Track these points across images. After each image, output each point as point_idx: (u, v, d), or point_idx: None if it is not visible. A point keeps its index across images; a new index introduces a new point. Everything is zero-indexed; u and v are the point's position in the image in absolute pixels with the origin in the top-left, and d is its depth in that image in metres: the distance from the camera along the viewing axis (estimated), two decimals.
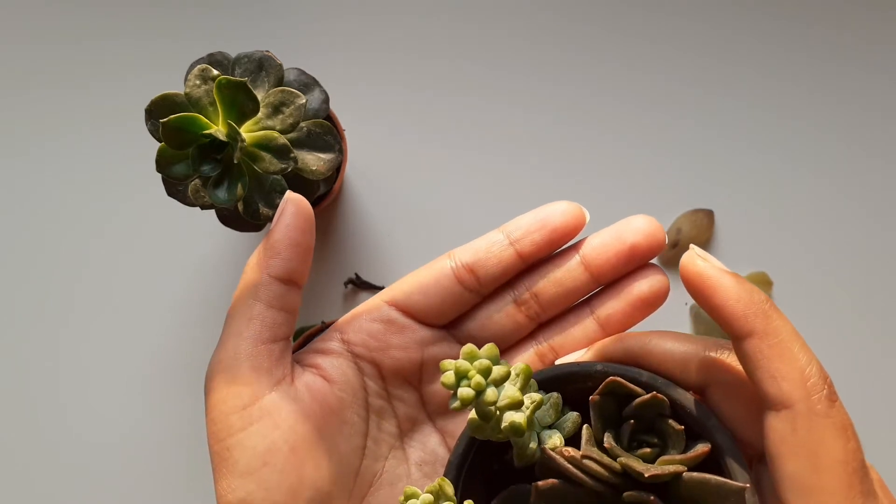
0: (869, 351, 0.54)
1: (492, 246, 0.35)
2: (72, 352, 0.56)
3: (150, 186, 0.47)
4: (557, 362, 0.34)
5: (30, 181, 0.56)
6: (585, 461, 0.28)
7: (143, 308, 0.56)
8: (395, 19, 0.56)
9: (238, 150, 0.38)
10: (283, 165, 0.39)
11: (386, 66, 0.56)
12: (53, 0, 0.57)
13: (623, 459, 0.28)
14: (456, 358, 0.30)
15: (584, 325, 0.35)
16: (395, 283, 0.37)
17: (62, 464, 0.55)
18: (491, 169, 0.55)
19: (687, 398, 0.29)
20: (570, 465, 0.28)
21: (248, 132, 0.40)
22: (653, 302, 0.34)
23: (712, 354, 0.30)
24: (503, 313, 0.36)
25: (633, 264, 0.34)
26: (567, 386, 0.31)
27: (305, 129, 0.42)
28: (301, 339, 0.50)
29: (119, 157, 0.56)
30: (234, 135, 0.38)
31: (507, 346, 0.36)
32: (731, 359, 0.29)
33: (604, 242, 0.34)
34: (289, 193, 0.36)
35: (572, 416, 0.31)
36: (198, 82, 0.39)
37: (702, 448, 0.28)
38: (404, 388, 0.36)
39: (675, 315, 0.55)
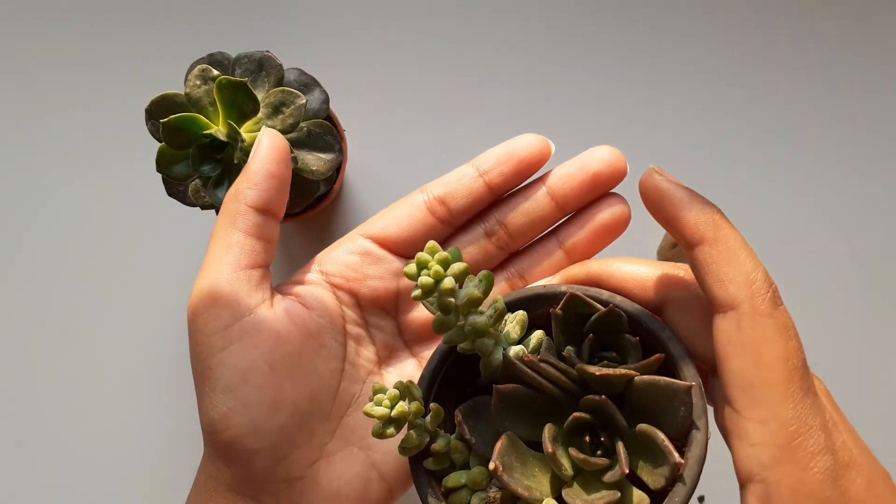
0: (868, 350, 0.54)
1: (462, 178, 0.37)
2: (71, 351, 0.56)
3: (151, 186, 0.47)
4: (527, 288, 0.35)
5: (29, 181, 0.56)
6: (542, 365, 0.29)
7: (143, 307, 0.56)
8: (395, 20, 0.56)
9: (238, 150, 0.38)
10: None
11: (386, 66, 0.56)
12: (53, 2, 0.57)
13: (579, 365, 0.29)
14: None
15: (551, 254, 0.37)
16: (371, 217, 0.38)
17: (64, 457, 0.55)
18: None
19: (643, 313, 0.30)
20: (528, 370, 0.29)
21: (248, 132, 0.40)
22: (615, 229, 0.37)
23: (668, 273, 0.32)
24: (475, 245, 0.37)
25: (596, 193, 0.37)
26: (535, 308, 0.32)
27: (305, 129, 0.42)
28: None
29: (119, 157, 0.56)
30: (234, 135, 0.38)
31: None
32: (685, 278, 0.31)
33: (569, 173, 0.37)
34: (265, 129, 0.36)
35: (537, 333, 0.32)
36: (198, 82, 0.39)
37: (653, 357, 0.29)
38: (381, 317, 0.38)
39: None
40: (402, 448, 0.31)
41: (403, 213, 0.37)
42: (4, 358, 0.56)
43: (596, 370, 0.28)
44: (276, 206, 0.36)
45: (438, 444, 0.31)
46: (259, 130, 0.40)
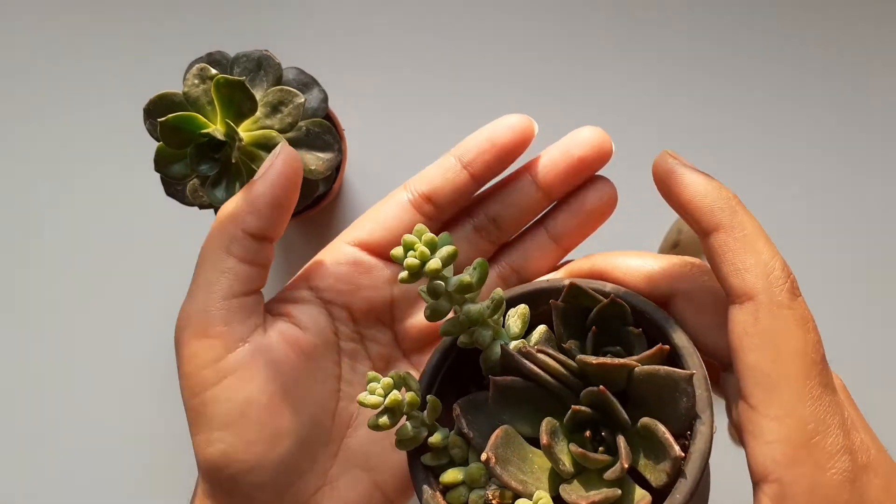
0: (870, 349, 0.54)
1: (446, 172, 0.35)
2: (70, 350, 0.56)
3: (149, 186, 0.47)
4: (529, 283, 0.35)
5: (26, 180, 0.56)
6: (540, 356, 0.28)
7: (142, 307, 0.56)
8: (394, 18, 0.56)
9: (236, 150, 0.38)
10: None
11: (385, 65, 0.56)
12: (51, 0, 0.57)
13: (578, 357, 0.28)
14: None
15: (543, 246, 0.36)
16: (354, 222, 0.36)
17: (63, 457, 0.55)
18: None
19: (647, 304, 0.29)
20: (525, 361, 0.28)
21: (246, 131, 0.40)
22: (603, 212, 0.36)
23: (675, 265, 0.31)
24: (465, 241, 0.36)
25: (582, 177, 0.35)
26: (538, 303, 0.32)
27: (304, 128, 0.42)
28: None
29: (117, 156, 0.56)
30: (232, 134, 0.38)
31: None
32: (694, 270, 0.30)
33: (553, 159, 0.35)
34: (283, 145, 0.34)
35: (540, 329, 0.31)
36: (196, 81, 0.39)
37: (657, 347, 0.28)
38: (377, 328, 0.36)
39: None
40: (399, 441, 0.30)
41: (389, 214, 0.35)
42: (5, 355, 0.56)
43: (593, 360, 0.28)
44: (274, 232, 0.34)
45: (435, 438, 0.30)
46: (257, 130, 0.40)
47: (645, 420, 0.27)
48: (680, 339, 0.29)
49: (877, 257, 0.55)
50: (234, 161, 0.39)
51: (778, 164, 0.55)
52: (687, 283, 0.30)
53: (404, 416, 0.30)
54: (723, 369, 0.30)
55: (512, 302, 0.32)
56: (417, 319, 0.36)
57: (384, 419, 0.29)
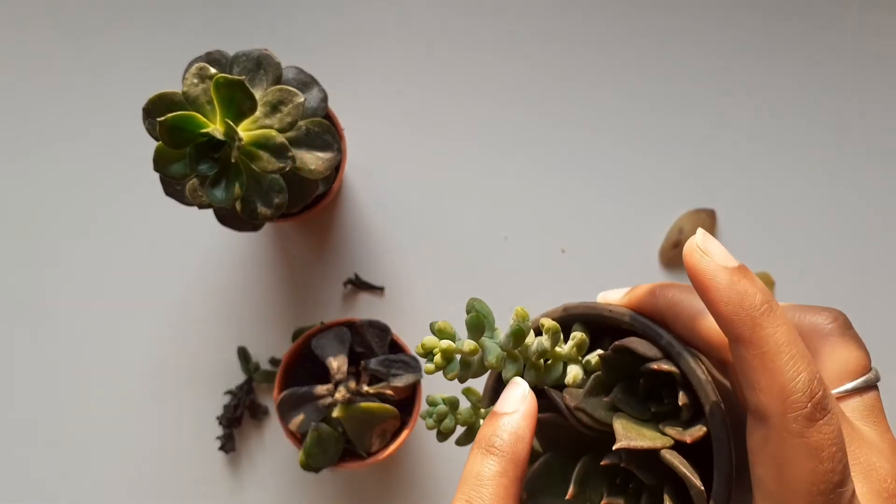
0: (873, 347, 0.54)
1: None
2: (70, 349, 0.56)
3: (148, 186, 0.47)
4: (600, 295, 0.34)
5: (25, 180, 0.56)
6: (578, 413, 0.29)
7: (142, 306, 0.56)
8: (394, 18, 0.56)
9: (235, 149, 0.38)
10: (281, 164, 0.39)
11: (385, 65, 0.56)
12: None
13: (613, 419, 0.28)
14: None
15: None
16: None
17: (60, 452, 0.55)
18: (491, 168, 0.55)
19: (696, 376, 0.28)
20: (567, 412, 0.29)
21: (245, 131, 0.40)
22: None
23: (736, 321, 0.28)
24: None
25: None
26: (599, 324, 0.32)
27: (304, 127, 0.42)
28: (300, 340, 0.49)
29: (117, 156, 0.56)
30: (231, 133, 0.38)
31: None
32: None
33: None
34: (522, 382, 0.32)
35: (595, 356, 0.31)
36: (195, 81, 0.39)
37: (692, 433, 0.28)
38: None
39: None
40: (457, 442, 0.32)
41: None
42: (5, 356, 0.56)
43: (620, 438, 0.27)
44: None
45: None
46: (257, 129, 0.40)
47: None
48: (715, 427, 0.28)
49: (876, 262, 0.55)
50: (233, 161, 0.38)
51: (780, 163, 0.55)
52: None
53: (461, 427, 0.32)
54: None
55: (572, 319, 0.32)
56: None
57: (441, 438, 0.32)
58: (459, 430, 0.33)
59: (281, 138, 0.39)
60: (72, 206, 0.56)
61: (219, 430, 0.55)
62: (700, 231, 0.27)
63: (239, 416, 0.54)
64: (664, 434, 0.28)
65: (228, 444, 0.54)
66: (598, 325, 0.32)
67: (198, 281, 0.56)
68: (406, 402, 0.49)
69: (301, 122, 0.41)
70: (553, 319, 0.32)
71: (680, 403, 0.28)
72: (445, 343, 0.29)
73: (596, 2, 0.56)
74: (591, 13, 0.56)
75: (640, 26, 0.55)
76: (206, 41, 0.54)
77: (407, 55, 0.56)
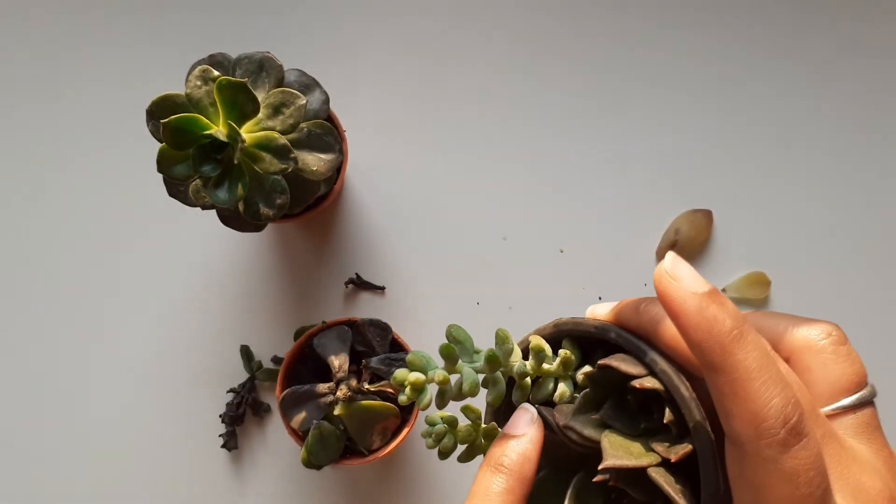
0: (867, 349, 0.54)
1: None
2: (74, 348, 0.56)
3: (152, 187, 0.47)
4: (589, 309, 0.34)
5: (29, 182, 0.57)
6: (568, 432, 0.29)
7: (144, 306, 0.56)
8: (395, 21, 0.56)
9: (238, 151, 0.38)
10: (283, 166, 0.40)
11: (386, 67, 0.56)
12: (55, 1, 0.57)
13: (602, 437, 0.29)
14: None
15: None
16: None
17: (65, 451, 0.56)
18: (491, 169, 0.55)
19: (680, 393, 0.28)
20: (557, 430, 0.30)
21: (248, 133, 0.40)
22: None
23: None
24: None
25: None
26: (587, 339, 0.32)
27: (306, 129, 0.42)
28: (302, 339, 0.50)
29: (120, 157, 0.56)
30: (234, 135, 0.38)
31: None
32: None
33: None
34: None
35: (583, 372, 0.32)
36: (198, 83, 0.39)
37: (677, 451, 0.28)
38: None
39: None
40: (458, 458, 0.34)
41: None
42: (5, 356, 0.57)
43: (607, 457, 0.27)
44: None
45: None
46: (260, 131, 0.40)
47: None
48: (700, 445, 0.28)
49: (872, 262, 0.55)
50: (236, 162, 0.39)
51: (784, 162, 0.55)
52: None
53: (461, 445, 0.33)
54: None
55: (560, 336, 0.32)
56: None
57: (442, 457, 0.33)
58: (460, 448, 0.34)
59: (283, 140, 0.40)
60: (75, 207, 0.56)
61: (221, 428, 0.55)
62: (669, 254, 0.27)
63: (241, 414, 0.55)
64: (652, 451, 0.28)
65: (231, 442, 0.54)
66: (590, 340, 0.32)
67: (201, 281, 0.56)
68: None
69: (303, 124, 0.42)
70: (544, 336, 0.32)
71: (665, 421, 0.28)
72: (414, 376, 0.30)
73: (593, 8, 0.56)
74: (589, 18, 0.56)
75: (636, 30, 0.56)
76: (210, 44, 0.55)
77: (408, 57, 0.56)
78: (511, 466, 0.30)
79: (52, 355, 0.56)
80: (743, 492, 0.25)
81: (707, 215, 0.54)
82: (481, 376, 0.31)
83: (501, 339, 0.31)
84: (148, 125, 0.40)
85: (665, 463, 0.28)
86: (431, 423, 0.33)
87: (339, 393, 0.47)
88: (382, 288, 0.55)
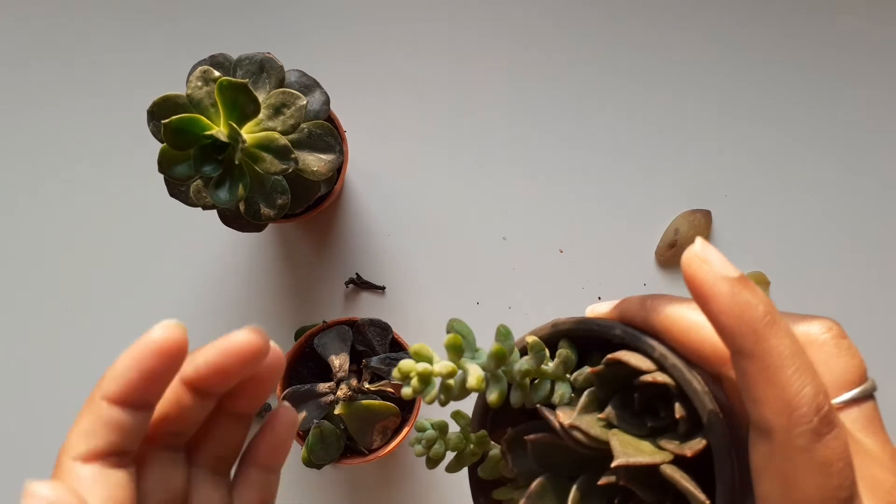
0: (867, 350, 0.54)
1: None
2: (75, 349, 0.56)
3: (153, 187, 0.47)
4: (588, 309, 0.33)
5: (30, 182, 0.57)
6: (573, 430, 0.28)
7: (146, 306, 0.56)
8: (396, 22, 0.56)
9: (239, 151, 0.38)
10: (283, 166, 0.40)
11: (386, 67, 0.56)
12: (56, 2, 0.57)
13: (609, 436, 0.28)
14: None
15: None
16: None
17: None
18: (490, 170, 0.56)
19: (692, 387, 0.27)
20: (561, 431, 0.28)
21: (249, 133, 0.40)
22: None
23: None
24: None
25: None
26: (588, 339, 0.31)
27: (306, 130, 0.42)
28: (303, 338, 0.50)
29: (121, 157, 0.56)
30: (235, 136, 0.38)
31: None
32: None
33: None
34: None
35: (585, 372, 0.31)
36: (199, 84, 0.39)
37: (692, 446, 0.27)
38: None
39: None
40: (447, 468, 0.32)
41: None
42: (5, 357, 0.57)
43: (617, 456, 0.26)
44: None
45: (484, 469, 0.32)
46: (260, 131, 0.40)
47: None
48: (716, 439, 0.27)
49: (871, 262, 0.55)
50: (237, 162, 0.39)
51: (787, 162, 0.55)
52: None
53: (451, 452, 0.32)
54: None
55: (561, 335, 0.31)
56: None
57: (432, 465, 0.32)
58: (448, 456, 0.33)
59: (284, 140, 0.40)
60: (76, 208, 0.57)
61: None
62: (698, 239, 0.26)
63: None
64: (662, 449, 0.28)
65: None
66: (586, 341, 0.31)
67: (201, 281, 0.56)
68: (406, 399, 0.50)
69: (303, 125, 0.42)
70: (542, 337, 0.31)
71: (677, 416, 0.27)
72: (422, 366, 0.28)
73: (593, 9, 0.56)
74: (589, 19, 0.56)
75: (636, 30, 0.56)
76: (210, 45, 0.55)
77: (408, 59, 0.56)
78: None
79: (49, 355, 0.56)
80: (770, 484, 0.25)
81: (706, 215, 0.54)
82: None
83: (503, 335, 0.30)
84: (149, 126, 0.40)
85: (677, 461, 0.27)
86: (421, 429, 0.32)
87: (339, 392, 0.47)
88: (382, 288, 0.55)
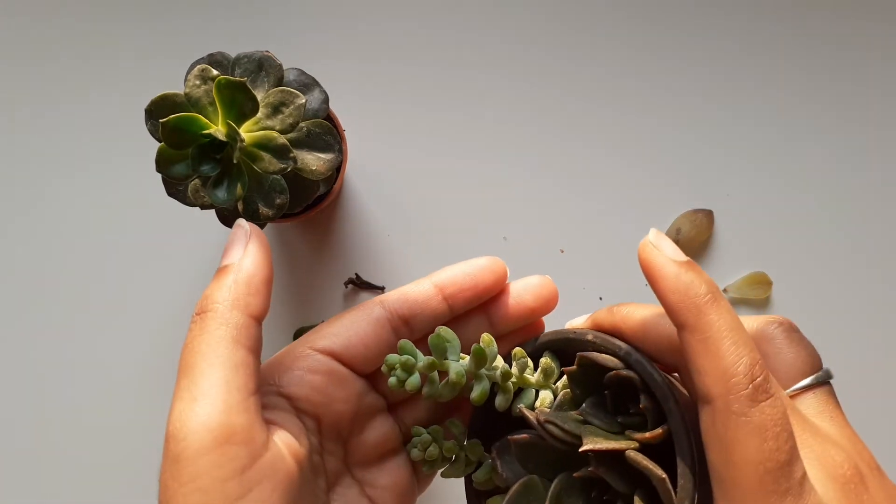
0: (868, 349, 0.54)
1: (428, 300, 0.35)
2: (73, 350, 0.56)
3: (150, 187, 0.47)
4: (567, 324, 0.36)
5: (27, 180, 0.57)
6: (548, 426, 0.30)
7: (144, 308, 0.56)
8: (395, 21, 0.56)
9: (237, 150, 0.38)
10: (282, 165, 0.39)
11: (386, 66, 0.56)
12: (53, 1, 0.57)
13: (582, 429, 0.30)
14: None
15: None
16: (321, 329, 0.34)
17: (61, 458, 0.55)
18: (490, 169, 0.55)
19: (653, 378, 0.30)
20: (538, 426, 0.31)
21: (247, 132, 0.40)
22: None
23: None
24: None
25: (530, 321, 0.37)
26: (567, 349, 0.34)
27: (305, 129, 0.42)
28: None
29: (119, 157, 0.56)
30: (233, 135, 0.38)
31: None
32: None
33: (505, 305, 0.36)
34: (246, 223, 0.33)
35: (564, 379, 0.34)
36: (197, 82, 0.39)
37: (652, 433, 0.29)
38: (335, 442, 0.34)
39: None
40: (442, 474, 0.35)
41: (369, 332, 0.34)
42: (5, 357, 0.56)
43: (586, 443, 0.29)
44: (266, 313, 0.32)
45: (478, 476, 0.34)
46: (259, 130, 0.40)
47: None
48: (675, 422, 0.29)
49: (873, 262, 0.55)
50: (235, 162, 0.39)
51: (789, 162, 0.55)
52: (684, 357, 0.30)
53: (449, 459, 0.35)
54: None
55: (541, 348, 0.34)
56: (369, 435, 0.35)
57: (428, 469, 0.35)
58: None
59: (282, 139, 0.39)
60: (72, 208, 0.56)
61: None
62: (653, 230, 0.30)
63: None
64: (629, 439, 0.30)
65: None
66: (568, 353, 0.33)
67: (200, 281, 0.56)
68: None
69: (302, 124, 0.42)
70: (526, 349, 0.34)
71: (641, 407, 0.29)
72: (405, 358, 0.31)
73: (594, 9, 0.56)
74: (589, 19, 0.56)
75: (636, 31, 0.56)
76: (209, 43, 0.55)
77: (408, 58, 0.56)
78: (222, 310, 0.30)
79: (45, 358, 0.56)
80: (714, 450, 0.26)
81: (708, 215, 0.54)
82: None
83: (486, 342, 0.33)
84: (147, 125, 0.40)
85: (645, 450, 0.29)
86: (416, 434, 0.34)
87: None
88: (382, 288, 0.55)
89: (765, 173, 0.55)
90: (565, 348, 0.34)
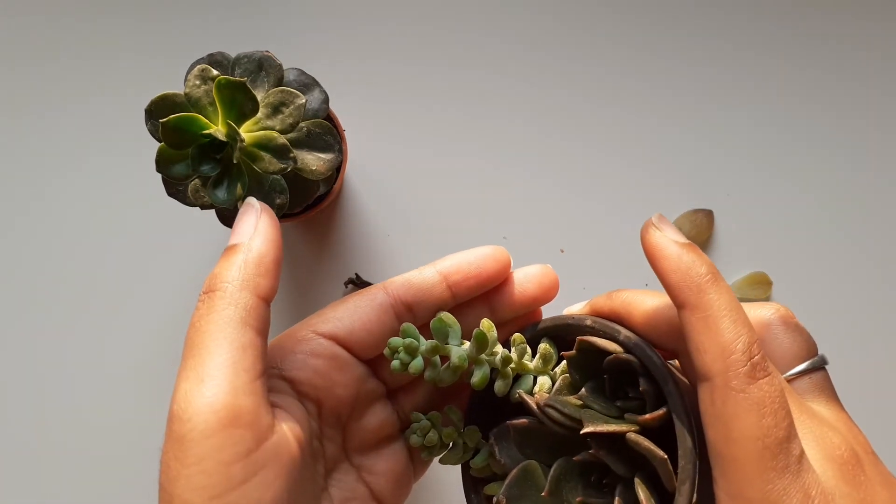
0: (868, 349, 0.54)
1: (432, 288, 0.35)
2: (73, 350, 0.56)
3: (150, 187, 0.47)
4: (565, 311, 0.36)
5: (27, 180, 0.57)
6: (547, 409, 0.30)
7: (143, 308, 0.56)
8: (395, 21, 0.56)
9: (237, 150, 0.38)
10: (282, 165, 0.39)
11: (386, 66, 0.56)
12: (55, 1, 0.57)
13: (581, 412, 0.30)
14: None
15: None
16: (324, 312, 0.34)
17: (63, 458, 0.55)
18: (490, 169, 0.55)
19: (652, 361, 0.30)
20: (537, 410, 0.31)
21: (247, 132, 0.40)
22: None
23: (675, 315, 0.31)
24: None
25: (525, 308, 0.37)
26: (566, 335, 0.34)
27: (305, 129, 0.42)
28: None
29: (119, 157, 0.56)
30: (233, 135, 0.38)
31: None
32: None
33: (507, 295, 0.37)
34: (257, 202, 0.33)
35: (562, 365, 0.34)
36: (197, 82, 0.39)
37: (651, 415, 0.29)
38: (335, 427, 0.34)
39: None
40: (441, 460, 0.35)
41: (372, 317, 0.34)
42: (4, 358, 0.56)
43: (586, 426, 0.29)
44: (274, 295, 0.32)
45: (476, 462, 0.34)
46: (259, 130, 0.40)
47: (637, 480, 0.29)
48: (674, 404, 0.29)
49: (873, 262, 0.55)
50: (235, 162, 0.39)
51: (790, 162, 0.55)
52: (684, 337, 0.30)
53: (447, 446, 0.35)
54: None
55: (540, 334, 0.34)
56: (368, 421, 0.35)
57: (427, 455, 0.35)
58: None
59: (282, 139, 0.39)
60: (72, 208, 0.56)
61: None
62: (657, 214, 0.30)
63: None
64: (629, 421, 0.30)
65: None
66: (567, 340, 0.33)
67: (200, 281, 0.56)
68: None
69: (302, 124, 0.42)
70: (525, 335, 0.34)
71: (640, 389, 0.30)
72: (408, 341, 0.31)
73: (594, 10, 0.56)
74: (589, 18, 0.56)
75: (636, 31, 0.56)
76: (208, 43, 0.55)
77: (408, 58, 0.56)
78: (231, 290, 0.30)
79: (46, 357, 0.56)
80: (713, 429, 0.27)
81: (708, 215, 0.54)
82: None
83: (487, 327, 0.33)
84: (147, 125, 0.40)
85: (642, 432, 0.29)
86: (416, 420, 0.34)
87: None
88: None
89: (765, 173, 0.55)
90: (564, 334, 0.34)
